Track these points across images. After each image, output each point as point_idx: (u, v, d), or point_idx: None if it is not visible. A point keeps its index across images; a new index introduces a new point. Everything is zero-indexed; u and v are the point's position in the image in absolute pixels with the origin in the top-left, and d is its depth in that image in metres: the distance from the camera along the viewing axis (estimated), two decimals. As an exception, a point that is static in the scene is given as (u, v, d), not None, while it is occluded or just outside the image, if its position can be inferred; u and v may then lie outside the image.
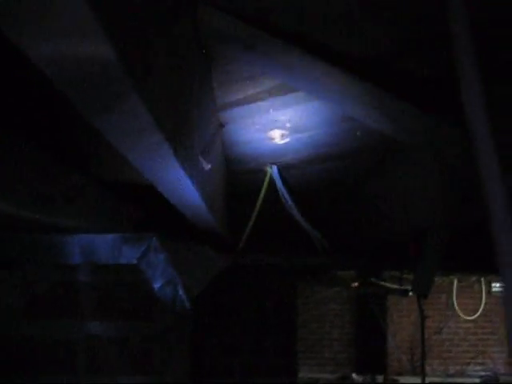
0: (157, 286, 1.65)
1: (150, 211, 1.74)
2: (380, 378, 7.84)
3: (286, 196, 2.73)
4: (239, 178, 2.76)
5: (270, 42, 1.34)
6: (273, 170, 2.62)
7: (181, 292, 1.65)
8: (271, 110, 1.96)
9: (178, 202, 1.46)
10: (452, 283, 7.54)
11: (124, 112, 0.78)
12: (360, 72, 1.25)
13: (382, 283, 6.51)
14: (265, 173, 2.65)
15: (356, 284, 6.81)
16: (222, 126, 1.97)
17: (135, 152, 0.99)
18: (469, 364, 8.04)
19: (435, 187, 2.03)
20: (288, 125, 2.09)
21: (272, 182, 2.66)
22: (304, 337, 7.95)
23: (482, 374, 7.96)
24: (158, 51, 0.87)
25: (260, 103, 1.89)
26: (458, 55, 0.85)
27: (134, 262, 1.64)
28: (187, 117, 1.20)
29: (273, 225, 3.12)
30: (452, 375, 7.98)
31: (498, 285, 8.12)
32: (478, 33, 0.89)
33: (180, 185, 1.28)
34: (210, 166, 1.48)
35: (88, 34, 0.57)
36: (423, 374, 5.73)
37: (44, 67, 0.64)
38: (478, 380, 7.80)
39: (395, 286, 6.54)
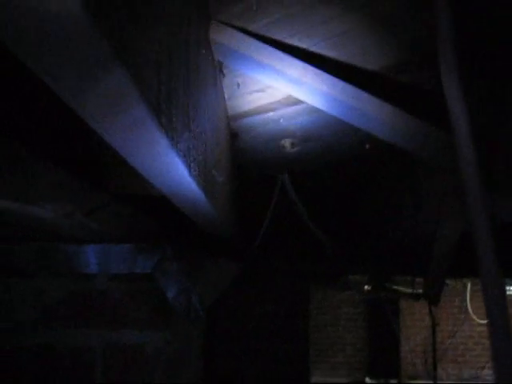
0: (171, 295, 1.68)
1: (164, 222, 1.78)
2: (393, 382, 7.82)
3: (297, 203, 2.76)
4: (251, 185, 2.79)
5: (278, 56, 1.37)
6: (284, 178, 2.65)
7: (194, 301, 1.68)
8: (281, 120, 1.99)
9: (192, 214, 1.49)
10: (465, 287, 7.52)
11: (135, 120, 0.76)
12: (363, 84, 1.28)
13: (395, 287, 6.51)
14: (276, 180, 2.68)
15: (368, 288, 6.81)
16: (233, 136, 2.00)
17: (147, 164, 1.01)
18: (483, 368, 7.99)
19: (443, 191, 2.04)
20: (298, 134, 2.12)
21: (283, 189, 2.69)
22: (317, 341, 7.95)
23: (486, 377, 7.91)
24: (176, 72, 0.90)
25: (270, 114, 1.93)
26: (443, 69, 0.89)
27: (149, 271, 1.67)
28: (199, 129, 1.24)
29: (284, 231, 3.14)
30: (466, 379, 7.94)
31: (511, 288, 8.08)
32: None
33: (193, 197, 1.31)
34: (222, 178, 1.51)
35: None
36: (435, 378, 5.72)
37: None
38: (492, 384, 7.74)
39: (408, 291, 6.53)
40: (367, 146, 1.88)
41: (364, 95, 1.30)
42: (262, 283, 3.54)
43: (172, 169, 0.98)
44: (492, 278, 0.83)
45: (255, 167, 2.60)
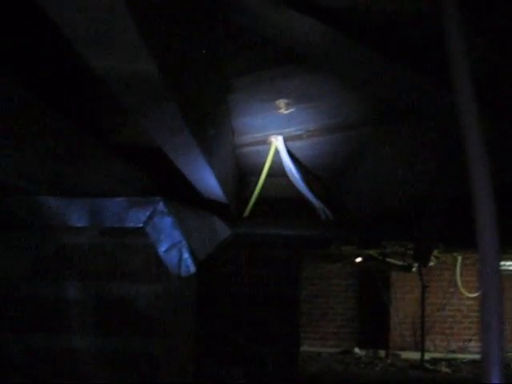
0: (162, 249, 1.68)
1: (157, 177, 1.77)
2: (382, 353, 7.96)
3: (291, 167, 2.75)
4: (245, 149, 2.78)
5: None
6: (278, 141, 2.64)
7: (186, 256, 1.69)
8: (276, 79, 1.97)
9: (187, 170, 1.49)
10: (456, 260, 7.58)
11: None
12: (363, 38, 1.27)
13: (386, 259, 6.57)
14: (270, 143, 2.67)
15: (360, 259, 6.87)
16: (228, 90, 1.99)
17: (149, 118, 1.01)
18: (470, 340, 8.12)
19: (435, 156, 2.05)
20: (293, 94, 2.11)
21: (277, 152, 2.68)
22: (307, 311, 8.05)
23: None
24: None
25: (265, 72, 1.91)
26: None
27: (140, 225, 1.67)
28: (196, 83, 1.23)
29: (278, 196, 3.15)
30: (454, 351, 8.08)
31: (502, 263, 8.16)
32: None
33: (189, 151, 1.31)
34: (215, 131, 1.50)
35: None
36: (422, 346, 5.81)
37: (107, 78, 0.81)
38: (478, 356, 7.88)
39: (399, 262, 6.61)
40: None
41: (364, 49, 1.29)
42: (253, 249, 3.56)
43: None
44: (490, 246, 0.82)
45: (249, 130, 2.58)
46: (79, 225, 1.75)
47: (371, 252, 6.15)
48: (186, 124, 1.03)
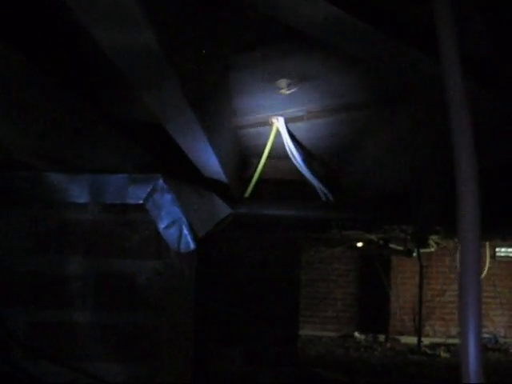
0: (162, 225, 1.70)
1: (157, 153, 1.78)
2: (382, 337, 8.01)
3: (293, 148, 2.76)
4: (246, 130, 2.78)
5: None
6: (279, 122, 2.64)
7: (186, 232, 1.70)
8: (277, 58, 1.97)
9: (188, 147, 1.50)
10: (456, 246, 7.60)
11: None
12: (365, 14, 1.27)
13: (387, 244, 6.59)
14: (271, 124, 2.67)
15: (361, 244, 6.90)
16: (229, 68, 1.99)
17: (149, 92, 1.02)
18: (470, 326, 8.15)
19: (435, 139, 2.05)
20: (294, 74, 2.11)
21: (278, 134, 2.68)
22: (308, 295, 8.10)
23: (483, 336, 8.08)
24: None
25: (266, 50, 1.90)
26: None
27: (141, 201, 1.69)
28: (196, 59, 1.23)
29: (278, 177, 3.16)
30: (453, 337, 8.13)
31: (502, 249, 8.20)
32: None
33: (190, 128, 1.32)
34: (215, 108, 1.51)
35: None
36: (419, 331, 5.84)
37: (109, 51, 0.82)
38: (478, 342, 7.92)
39: (399, 247, 6.62)
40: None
41: (366, 27, 1.29)
42: (254, 231, 3.58)
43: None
44: (471, 232, 0.83)
45: (250, 110, 2.59)
46: (81, 201, 1.77)
47: (372, 237, 6.16)
48: (187, 99, 1.04)
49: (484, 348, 7.68)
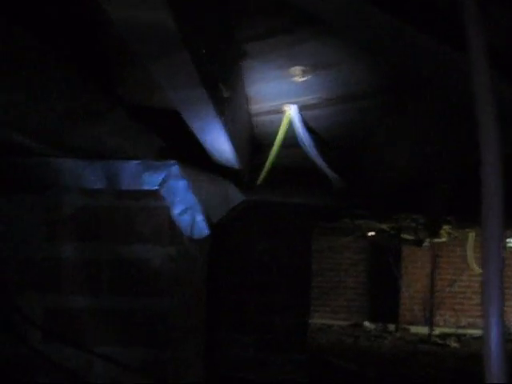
0: (176, 211, 1.71)
1: (171, 140, 1.79)
2: (392, 327, 8.02)
3: (305, 136, 2.75)
4: (259, 117, 2.78)
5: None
6: (292, 110, 2.64)
7: (199, 218, 1.72)
8: (292, 45, 1.96)
9: (201, 132, 1.50)
10: (468, 237, 7.57)
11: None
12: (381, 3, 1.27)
13: (398, 233, 6.58)
14: (284, 112, 2.67)
15: (372, 233, 6.89)
16: (243, 55, 1.99)
17: (163, 71, 1.02)
18: (480, 317, 8.15)
19: (446, 130, 2.04)
20: (307, 61, 2.10)
21: (291, 122, 2.68)
22: (319, 285, 8.11)
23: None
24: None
25: (281, 37, 1.90)
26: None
27: (155, 188, 1.70)
28: (211, 41, 1.24)
29: (291, 165, 3.16)
30: (463, 327, 8.12)
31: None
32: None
33: (203, 111, 1.32)
34: (229, 94, 1.51)
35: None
36: (431, 321, 5.83)
37: (123, 27, 0.81)
38: (488, 332, 7.91)
39: (410, 237, 6.61)
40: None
41: (382, 15, 1.29)
42: (265, 218, 3.59)
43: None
44: (494, 223, 0.82)
45: (263, 98, 2.58)
46: (96, 187, 1.78)
47: (383, 226, 6.15)
48: (201, 80, 1.04)
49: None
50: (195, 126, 1.48)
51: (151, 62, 0.94)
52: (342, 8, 1.36)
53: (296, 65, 2.16)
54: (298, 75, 2.24)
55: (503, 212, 0.82)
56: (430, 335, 7.34)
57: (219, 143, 1.78)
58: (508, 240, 8.19)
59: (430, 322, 7.42)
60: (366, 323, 8.13)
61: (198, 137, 1.66)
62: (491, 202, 0.83)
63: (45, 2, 0.92)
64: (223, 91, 1.44)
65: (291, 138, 2.78)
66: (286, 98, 2.58)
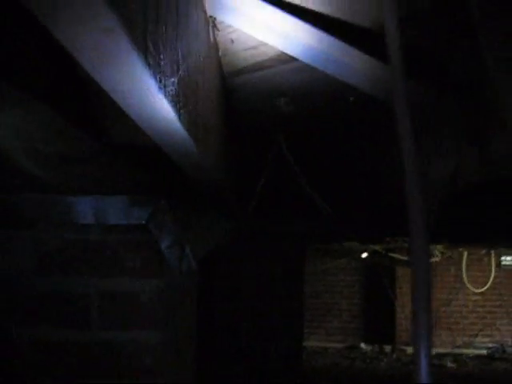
0: (164, 245, 1.74)
1: (158, 175, 1.82)
2: (388, 348, 7.99)
3: (293, 163, 2.80)
4: (247, 148, 2.83)
5: (270, 11, 1.40)
6: (279, 138, 2.69)
7: (187, 251, 1.74)
8: (276, 78, 2.02)
9: (182, 163, 1.53)
10: (462, 256, 7.60)
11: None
12: (350, 38, 1.32)
13: (391, 254, 6.61)
14: (272, 141, 2.71)
15: (365, 255, 6.91)
16: (229, 92, 2.03)
17: (135, 105, 1.03)
18: (476, 336, 8.14)
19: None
20: (292, 93, 2.15)
21: (279, 150, 2.72)
22: (313, 307, 8.09)
23: (490, 345, 8.07)
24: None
25: (265, 71, 1.95)
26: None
27: (143, 222, 1.72)
28: (190, 79, 1.27)
29: (280, 192, 3.19)
30: (459, 346, 8.10)
31: (508, 258, 8.18)
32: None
33: (183, 144, 1.34)
34: (213, 135, 1.55)
35: None
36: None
37: None
38: (485, 351, 7.91)
39: (403, 257, 6.63)
40: (351, 99, 1.92)
41: (350, 49, 1.33)
42: (257, 244, 3.61)
43: (160, 112, 1.02)
44: (420, 241, 0.86)
45: (251, 128, 2.63)
46: (84, 222, 1.81)
47: (376, 247, 6.18)
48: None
49: (491, 358, 7.65)
50: (177, 160, 1.51)
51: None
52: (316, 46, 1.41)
53: (281, 96, 2.22)
54: (282, 106, 2.29)
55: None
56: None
57: (208, 178, 1.81)
58: (503, 258, 8.22)
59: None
60: (362, 345, 8.10)
61: (186, 172, 1.69)
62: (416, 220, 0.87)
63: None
64: (208, 128, 1.48)
65: (279, 166, 2.83)
66: (272, 128, 2.63)
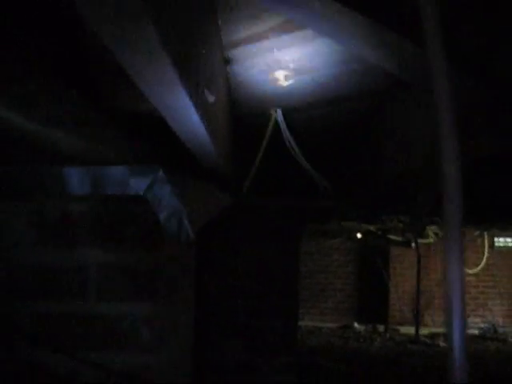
0: (162, 216, 1.72)
1: (156, 145, 1.80)
2: (381, 328, 8.06)
3: (291, 140, 2.78)
4: (244, 121, 2.80)
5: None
6: (277, 114, 2.66)
7: (185, 223, 1.72)
8: (275, 50, 1.98)
9: (183, 132, 1.51)
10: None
11: (134, 32, 0.82)
12: (366, 10, 1.29)
13: (387, 235, 6.64)
14: (269, 116, 2.69)
15: (360, 235, 6.93)
16: (227, 62, 2.00)
17: (143, 75, 1.03)
18: (469, 316, 8.21)
19: (433, 127, 2.06)
20: (292, 65, 2.12)
21: (276, 125, 2.70)
22: (307, 287, 8.14)
23: (482, 325, 8.15)
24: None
25: (264, 42, 1.92)
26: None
27: (141, 193, 1.71)
28: (193, 48, 1.25)
29: (277, 169, 3.18)
30: (452, 326, 8.16)
31: (501, 239, 8.24)
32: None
33: (185, 112, 1.33)
34: (214, 98, 1.53)
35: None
36: (419, 320, 5.87)
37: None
38: (477, 331, 7.99)
39: (398, 238, 6.67)
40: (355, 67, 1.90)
41: (366, 21, 1.31)
42: (254, 223, 3.60)
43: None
44: (454, 221, 0.85)
45: (248, 102, 2.60)
46: (81, 193, 1.78)
47: (371, 227, 6.20)
48: (184, 86, 1.05)
49: (483, 338, 7.73)
50: (180, 132, 1.49)
51: (135, 72, 0.95)
52: (327, 14, 1.38)
53: (279, 69, 2.18)
54: (281, 79, 2.26)
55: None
56: (418, 335, 7.38)
57: (204, 147, 1.79)
58: (496, 239, 8.27)
59: (418, 323, 7.47)
60: (356, 325, 8.17)
61: (183, 141, 1.67)
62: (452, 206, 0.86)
63: (29, 13, 0.92)
64: (208, 96, 1.45)
65: (277, 142, 2.81)
66: (271, 102, 2.60)
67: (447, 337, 0.77)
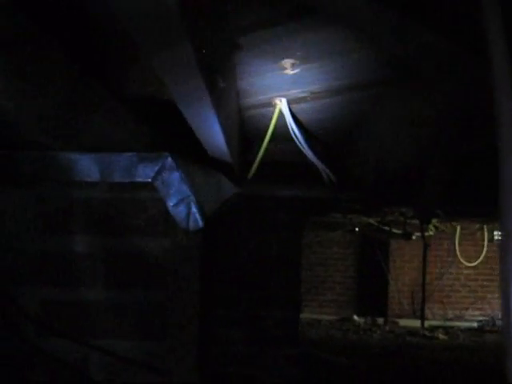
0: (171, 203, 1.72)
1: (165, 132, 1.79)
2: (380, 321, 8.08)
3: (295, 129, 2.77)
4: (249, 111, 2.79)
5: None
6: (282, 103, 2.65)
7: (194, 210, 1.72)
8: (282, 38, 1.97)
9: (196, 122, 1.50)
10: (455, 230, 7.64)
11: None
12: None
13: (387, 228, 6.63)
14: (274, 106, 2.68)
15: (357, 229, 6.93)
16: (236, 47, 1.99)
17: (165, 64, 1.02)
18: (467, 309, 8.24)
19: (438, 120, 2.06)
20: (299, 53, 2.11)
21: (281, 115, 2.69)
22: (307, 279, 8.14)
23: (480, 318, 8.18)
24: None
25: (273, 29, 1.91)
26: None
27: (149, 180, 1.70)
28: (205, 32, 1.24)
29: (282, 158, 3.17)
30: (451, 319, 8.20)
31: (500, 233, 8.23)
32: None
33: (199, 101, 1.32)
34: (224, 84, 1.52)
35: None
36: (419, 313, 5.87)
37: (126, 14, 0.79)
38: (475, 324, 8.02)
39: (398, 230, 6.66)
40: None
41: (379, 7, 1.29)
42: (256, 213, 3.59)
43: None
44: None
45: (254, 91, 2.59)
46: (90, 179, 1.78)
47: (371, 220, 6.19)
48: (199, 69, 1.04)
49: (481, 330, 7.76)
50: (191, 117, 1.49)
51: (151, 50, 0.94)
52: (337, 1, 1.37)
53: (286, 58, 2.17)
54: (288, 68, 2.25)
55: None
56: (418, 328, 7.40)
57: (213, 134, 1.78)
58: (495, 233, 8.28)
59: (418, 315, 7.49)
60: (355, 317, 8.18)
61: (193, 127, 1.67)
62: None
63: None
64: (220, 82, 1.45)
65: (281, 132, 2.80)
66: (276, 91, 2.59)
67: (504, 336, 0.74)
